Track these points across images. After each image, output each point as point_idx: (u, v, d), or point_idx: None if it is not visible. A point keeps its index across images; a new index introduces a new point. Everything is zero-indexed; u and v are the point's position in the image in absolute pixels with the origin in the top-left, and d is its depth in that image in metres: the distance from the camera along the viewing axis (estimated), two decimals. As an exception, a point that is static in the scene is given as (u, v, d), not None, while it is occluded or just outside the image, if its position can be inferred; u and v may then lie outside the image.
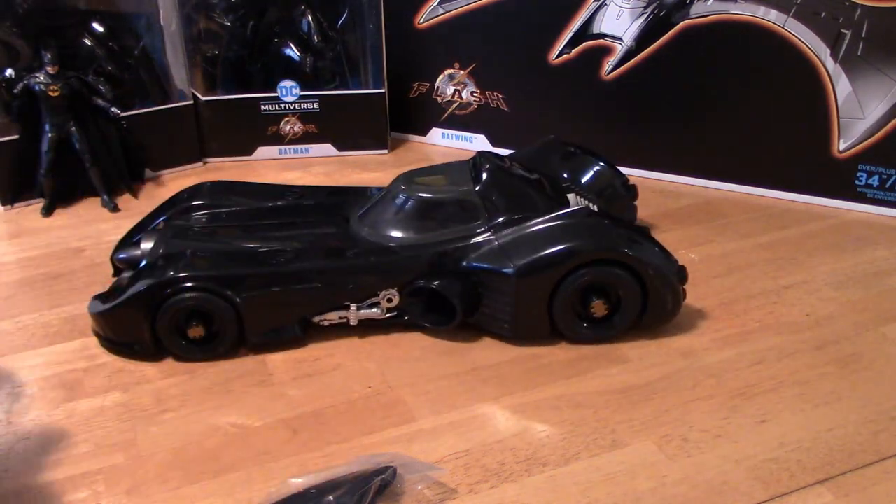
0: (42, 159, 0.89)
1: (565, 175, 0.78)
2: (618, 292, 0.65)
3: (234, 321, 0.64)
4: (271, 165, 1.01)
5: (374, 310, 0.67)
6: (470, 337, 0.68)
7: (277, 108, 1.00)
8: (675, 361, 0.65)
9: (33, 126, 0.88)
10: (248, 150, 1.02)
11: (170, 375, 0.64)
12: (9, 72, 0.87)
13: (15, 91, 0.86)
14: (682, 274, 0.65)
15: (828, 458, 0.55)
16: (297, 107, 1.00)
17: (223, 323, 0.64)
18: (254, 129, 1.01)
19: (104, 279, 0.75)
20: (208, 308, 0.63)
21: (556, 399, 0.61)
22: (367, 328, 0.68)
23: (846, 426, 0.58)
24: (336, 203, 0.75)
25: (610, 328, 0.66)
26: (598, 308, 0.65)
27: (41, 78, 0.86)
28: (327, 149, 1.03)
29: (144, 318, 0.63)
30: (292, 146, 1.02)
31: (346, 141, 1.03)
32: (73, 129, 0.88)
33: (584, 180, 0.78)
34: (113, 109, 0.90)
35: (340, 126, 1.03)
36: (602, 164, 0.80)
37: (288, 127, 1.00)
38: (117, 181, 0.93)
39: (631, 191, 0.80)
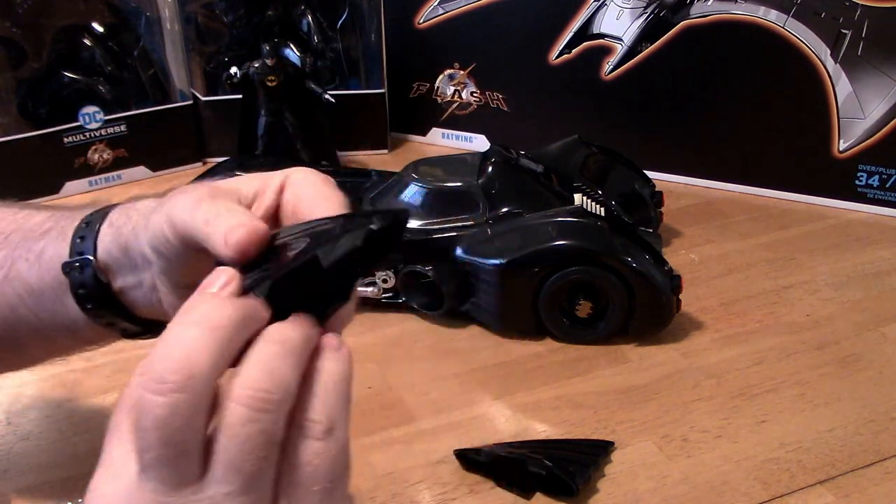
0: (258, 143, 0.93)
1: (584, 175, 0.77)
2: (606, 296, 0.65)
3: None
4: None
5: (371, 289, 0.69)
6: (470, 337, 0.68)
7: (83, 137, 0.93)
8: (675, 361, 0.65)
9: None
10: (55, 188, 0.94)
11: (170, 375, 0.64)
12: (233, 69, 0.91)
13: (235, 80, 0.91)
14: (675, 283, 0.65)
15: (828, 459, 0.55)
16: (103, 132, 0.94)
17: None
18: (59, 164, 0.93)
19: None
20: None
21: (556, 399, 0.61)
22: (368, 329, 0.69)
23: (846, 426, 0.58)
24: (346, 184, 0.77)
25: (595, 330, 0.66)
26: (583, 309, 0.65)
27: (260, 68, 0.91)
28: (142, 171, 0.98)
29: None
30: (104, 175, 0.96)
31: (160, 160, 0.99)
32: (287, 113, 0.93)
33: (607, 183, 0.78)
34: (326, 96, 0.93)
35: (152, 146, 0.98)
36: (629, 169, 0.80)
37: (97, 156, 0.94)
38: (322, 161, 0.96)
39: (656, 197, 0.80)
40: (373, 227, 0.32)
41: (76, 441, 0.58)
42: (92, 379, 0.64)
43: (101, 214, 0.42)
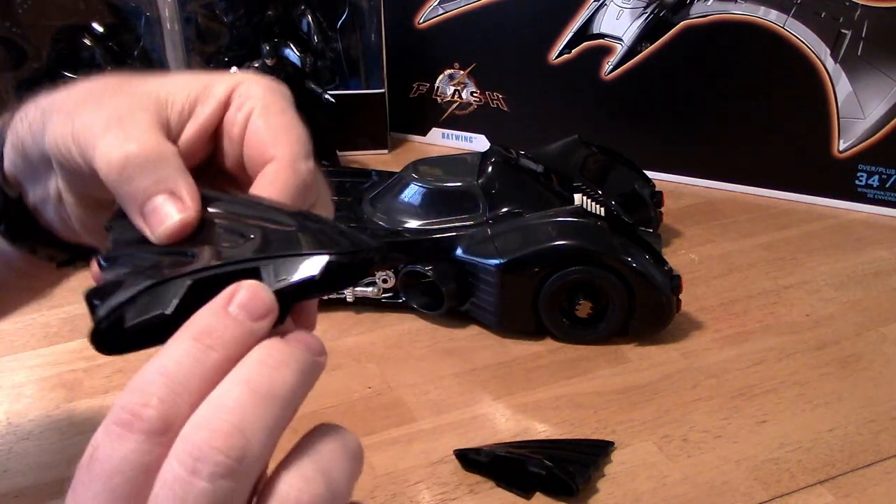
0: None
1: (584, 175, 0.77)
2: (606, 296, 0.65)
3: None
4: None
5: (371, 288, 0.69)
6: (470, 337, 0.68)
7: None
8: (675, 361, 0.65)
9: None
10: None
11: (170, 375, 0.64)
12: (233, 69, 0.91)
13: None
14: (675, 283, 0.65)
15: (828, 459, 0.55)
16: None
17: None
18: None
19: (104, 279, 0.75)
20: None
21: (556, 399, 0.61)
22: (368, 329, 0.69)
23: (846, 426, 0.58)
24: (345, 183, 0.78)
25: (595, 330, 0.66)
26: (583, 309, 0.65)
27: (260, 68, 0.90)
28: None
29: None
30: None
31: None
32: None
33: (607, 183, 0.78)
34: (326, 96, 0.93)
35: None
36: (629, 169, 0.80)
37: None
38: (322, 161, 0.95)
39: (656, 197, 0.80)
40: (334, 259, 0.27)
41: (76, 441, 0.58)
42: (92, 379, 0.64)
43: (10, 118, 0.35)
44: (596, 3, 0.92)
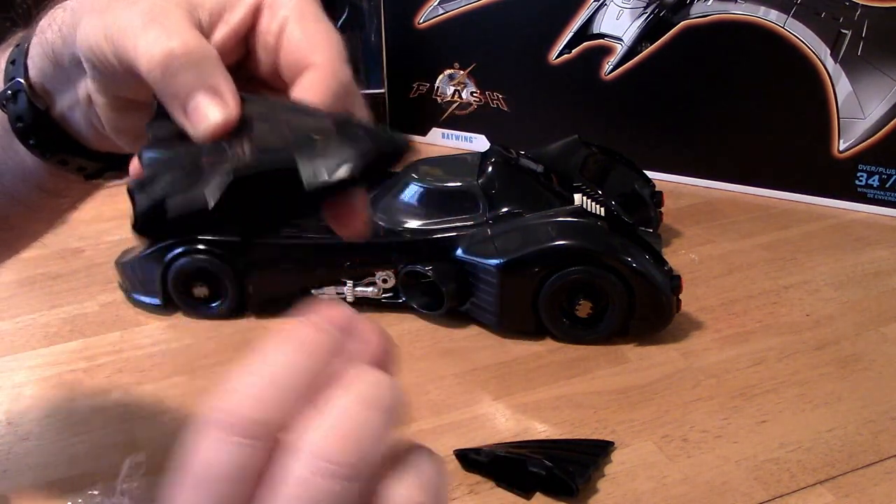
0: None
1: (584, 175, 0.78)
2: (606, 296, 0.65)
3: (235, 284, 0.69)
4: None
5: (371, 288, 0.69)
6: (470, 337, 0.68)
7: None
8: (675, 361, 0.65)
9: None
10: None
11: (169, 376, 0.64)
12: None
13: None
14: (675, 283, 0.65)
15: (828, 459, 0.55)
16: None
17: (226, 285, 0.69)
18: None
19: (104, 279, 0.75)
20: (213, 270, 0.68)
21: (556, 399, 0.61)
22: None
23: (846, 426, 0.58)
24: None
25: (595, 330, 0.66)
26: (583, 309, 0.65)
27: None
28: None
29: (158, 274, 0.69)
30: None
31: None
32: None
33: (607, 183, 0.78)
34: None
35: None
36: (629, 169, 0.81)
37: None
38: None
39: (656, 197, 0.80)
40: (372, 154, 0.28)
41: (76, 441, 0.58)
42: (92, 379, 0.64)
43: (32, 30, 0.36)
44: (596, 3, 0.92)
